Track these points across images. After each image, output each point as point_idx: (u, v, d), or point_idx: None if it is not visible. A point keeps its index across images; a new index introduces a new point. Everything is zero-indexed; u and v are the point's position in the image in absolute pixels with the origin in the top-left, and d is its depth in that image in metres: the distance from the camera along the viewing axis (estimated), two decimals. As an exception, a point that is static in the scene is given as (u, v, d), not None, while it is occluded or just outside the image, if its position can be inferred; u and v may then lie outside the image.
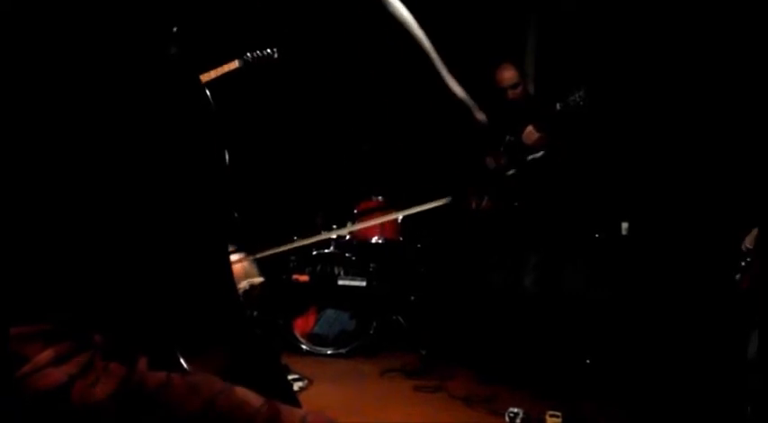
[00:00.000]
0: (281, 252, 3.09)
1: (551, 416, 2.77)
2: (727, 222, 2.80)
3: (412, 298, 4.16)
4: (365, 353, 3.79)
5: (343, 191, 4.25)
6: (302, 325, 3.92)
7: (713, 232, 3.17)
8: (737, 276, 2.51)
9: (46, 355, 0.61)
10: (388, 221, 3.91)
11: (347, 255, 3.94)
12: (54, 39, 0.65)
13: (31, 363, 0.61)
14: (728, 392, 2.69)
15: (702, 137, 3.45)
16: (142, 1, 0.76)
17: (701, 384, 2.96)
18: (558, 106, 3.22)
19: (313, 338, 3.87)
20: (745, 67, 3.28)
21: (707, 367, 3.06)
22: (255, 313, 3.48)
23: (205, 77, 2.71)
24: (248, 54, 2.84)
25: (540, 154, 3.39)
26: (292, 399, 0.91)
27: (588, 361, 3.43)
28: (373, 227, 3.94)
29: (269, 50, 2.89)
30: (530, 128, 3.37)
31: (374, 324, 3.80)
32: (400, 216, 3.74)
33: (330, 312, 3.93)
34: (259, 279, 1.48)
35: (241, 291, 1.39)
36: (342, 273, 3.96)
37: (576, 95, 3.15)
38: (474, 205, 3.60)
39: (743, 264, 2.49)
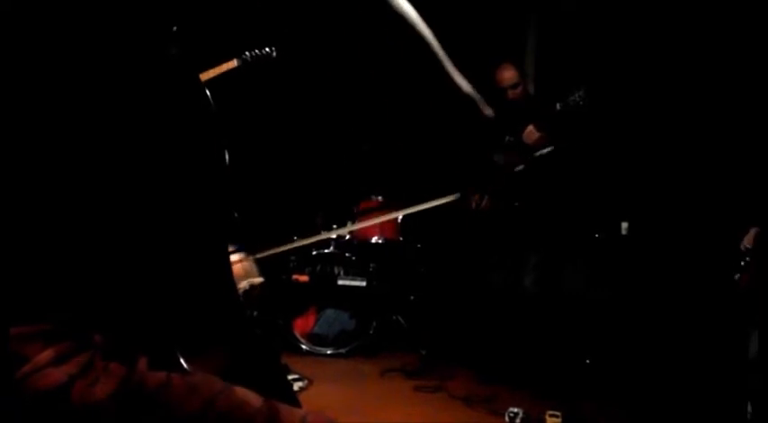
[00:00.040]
0: (280, 252, 3.09)
1: (551, 416, 2.77)
2: (727, 222, 2.80)
3: (412, 298, 4.16)
4: (365, 353, 3.79)
5: (343, 191, 4.25)
6: (302, 325, 3.92)
7: (713, 232, 3.18)
8: (736, 276, 2.51)
9: (46, 355, 0.61)
10: (387, 221, 3.91)
11: (347, 255, 3.94)
12: (54, 38, 0.65)
13: (30, 363, 0.61)
14: (729, 392, 2.69)
15: (702, 137, 3.46)
16: (142, 1, 0.76)
17: (701, 384, 2.96)
18: (558, 106, 3.22)
19: (313, 338, 3.88)
20: (745, 68, 3.28)
21: (707, 367, 3.06)
22: (255, 313, 3.48)
23: (203, 77, 2.71)
24: (246, 53, 2.84)
25: (548, 150, 3.37)
26: (292, 399, 0.91)
27: (588, 361, 3.43)
28: (373, 227, 3.94)
29: (267, 49, 2.88)
30: (530, 127, 3.38)
31: (374, 324, 3.80)
32: (408, 213, 3.70)
33: (330, 312, 3.93)
34: (259, 279, 1.47)
35: (241, 291, 1.39)
36: (342, 273, 3.97)
37: (576, 95, 3.15)
38: (474, 205, 3.60)
39: (742, 263, 2.49)
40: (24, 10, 0.65)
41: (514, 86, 3.48)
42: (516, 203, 3.54)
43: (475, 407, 3.00)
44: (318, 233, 3.77)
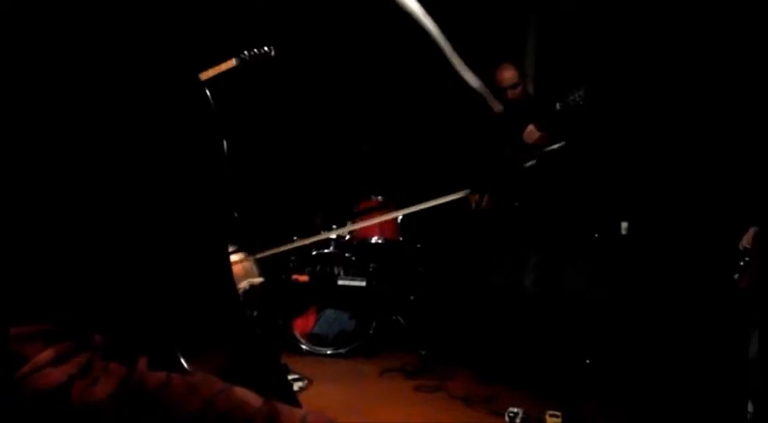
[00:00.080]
0: (280, 252, 3.09)
1: (551, 416, 2.77)
2: (726, 222, 2.80)
3: (412, 298, 4.16)
4: (365, 353, 3.79)
5: (343, 191, 4.25)
6: (302, 325, 3.92)
7: (712, 232, 3.18)
8: (736, 276, 2.51)
9: (46, 355, 0.61)
10: (387, 221, 3.91)
11: (347, 255, 3.94)
12: (54, 39, 0.65)
13: (30, 363, 0.61)
14: (729, 392, 2.69)
15: (701, 136, 3.46)
16: (142, 1, 0.76)
17: (701, 384, 2.96)
18: (557, 106, 3.22)
19: (313, 338, 3.87)
20: (745, 68, 3.28)
21: (707, 367, 3.06)
22: (255, 313, 3.47)
23: (202, 76, 2.71)
24: (245, 52, 2.84)
25: (558, 145, 3.36)
26: (292, 399, 0.91)
27: (588, 361, 3.43)
28: (373, 227, 3.93)
29: (266, 48, 2.88)
30: (530, 126, 3.37)
31: (374, 324, 3.80)
32: (415, 210, 3.64)
33: (330, 312, 3.93)
34: (259, 279, 1.47)
35: (241, 291, 1.39)
36: (341, 273, 3.96)
37: (576, 95, 3.15)
38: (474, 205, 3.60)
39: (741, 263, 2.49)
40: (24, 11, 0.65)
41: (514, 86, 3.49)
42: (516, 203, 3.54)
43: (475, 407, 3.00)
44: (318, 233, 3.76)
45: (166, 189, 0.72)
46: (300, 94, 4.40)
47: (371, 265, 3.93)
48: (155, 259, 0.72)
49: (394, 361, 3.67)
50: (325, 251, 3.94)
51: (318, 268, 3.97)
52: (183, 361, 0.73)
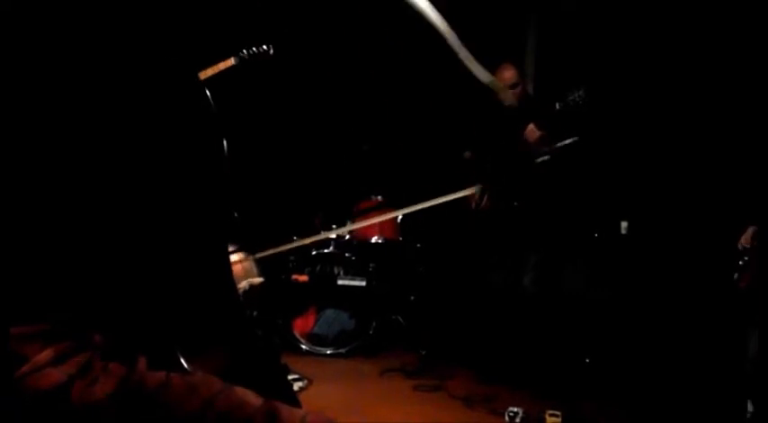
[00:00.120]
0: (280, 252, 3.09)
1: (551, 415, 2.77)
2: (726, 221, 2.80)
3: (411, 298, 4.16)
4: (365, 353, 3.79)
5: (343, 191, 4.25)
6: (302, 325, 3.92)
7: (712, 231, 3.18)
8: (735, 275, 2.51)
9: (45, 354, 0.61)
10: (387, 221, 3.91)
11: (347, 254, 3.94)
12: (54, 39, 0.65)
13: (30, 363, 0.61)
14: (729, 392, 2.69)
15: (701, 136, 3.46)
16: (140, 1, 0.76)
17: (701, 384, 2.96)
18: (557, 106, 3.22)
19: (313, 338, 3.87)
20: (744, 67, 3.28)
21: (707, 366, 3.06)
22: (255, 313, 3.47)
23: (201, 76, 2.71)
24: (244, 51, 2.83)
25: (570, 140, 3.34)
26: (292, 399, 0.91)
27: (588, 360, 3.43)
28: (372, 226, 3.93)
29: (264, 47, 2.88)
30: (531, 126, 3.37)
31: (374, 324, 3.80)
32: (425, 207, 3.60)
33: (330, 312, 3.93)
34: (259, 279, 1.48)
35: (241, 291, 1.39)
36: (341, 272, 3.96)
37: (576, 95, 3.15)
38: (474, 205, 3.60)
39: (740, 263, 2.49)
40: (24, 11, 0.65)
41: (514, 86, 3.49)
42: (516, 203, 3.54)
43: (475, 407, 3.00)
44: (318, 233, 3.76)
45: (166, 189, 0.72)
46: (300, 93, 4.40)
47: (371, 264, 3.93)
48: (155, 259, 0.72)
49: (394, 361, 3.67)
50: (325, 251, 3.94)
51: (318, 268, 3.97)
52: (182, 361, 0.73)
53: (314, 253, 3.93)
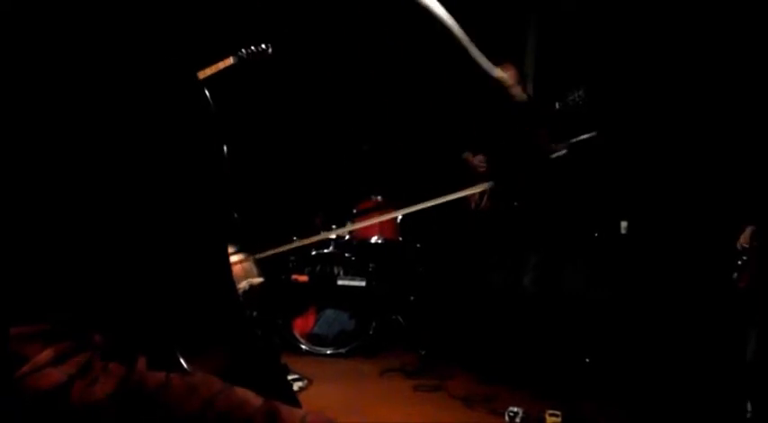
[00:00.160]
0: (281, 252, 3.08)
1: (551, 415, 2.77)
2: (725, 221, 2.80)
3: (411, 298, 4.16)
4: (365, 353, 3.79)
5: (343, 191, 4.25)
6: (302, 325, 3.92)
7: (711, 231, 3.18)
8: (734, 275, 2.51)
9: (45, 354, 0.61)
10: (387, 221, 3.91)
11: (346, 255, 3.94)
12: (54, 39, 0.65)
13: (30, 363, 0.61)
14: (729, 392, 2.69)
15: (700, 136, 3.46)
16: (140, 1, 0.76)
17: (700, 384, 2.96)
18: (557, 106, 3.22)
19: (312, 338, 3.87)
20: (744, 67, 3.29)
21: (707, 366, 3.06)
22: (255, 313, 3.47)
23: (200, 75, 2.70)
24: (243, 50, 2.83)
25: (588, 135, 3.32)
26: (292, 399, 0.91)
27: (588, 360, 3.43)
28: (372, 227, 3.93)
29: (263, 46, 2.87)
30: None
31: (373, 324, 3.80)
32: (438, 203, 3.55)
33: (329, 312, 3.93)
34: (259, 279, 1.48)
35: (241, 291, 1.39)
36: (341, 273, 3.97)
37: (576, 95, 3.16)
38: (474, 205, 3.60)
39: (739, 262, 2.49)
40: (24, 11, 0.65)
41: (514, 86, 3.48)
42: (516, 203, 3.54)
43: (475, 406, 3.00)
44: (318, 233, 3.76)
45: (166, 189, 0.72)
46: (300, 92, 4.40)
47: (371, 264, 3.93)
48: (155, 259, 0.72)
49: (394, 361, 3.67)
50: (325, 251, 3.94)
51: (318, 268, 3.97)
52: (182, 361, 0.73)
53: (314, 253, 3.93)
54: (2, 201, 0.62)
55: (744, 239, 2.49)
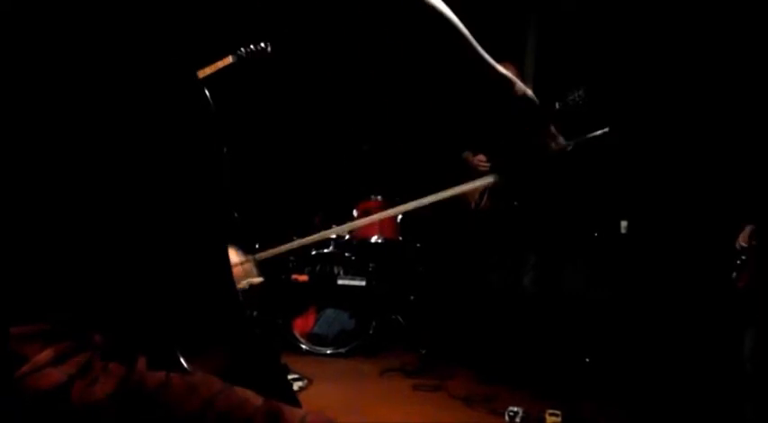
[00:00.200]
0: (281, 252, 3.08)
1: (551, 415, 2.77)
2: (725, 220, 2.80)
3: (411, 297, 4.16)
4: (365, 352, 3.79)
5: (343, 191, 4.25)
6: (302, 325, 3.92)
7: (711, 230, 3.18)
8: (733, 275, 2.51)
9: (45, 354, 0.61)
10: (386, 220, 3.91)
11: (346, 254, 3.94)
12: (53, 39, 0.65)
13: (30, 362, 0.61)
14: (728, 392, 2.69)
15: (700, 136, 3.46)
16: (140, 1, 0.76)
17: (700, 384, 2.96)
18: (557, 105, 3.22)
19: (312, 338, 3.88)
20: (744, 67, 3.29)
21: (706, 366, 3.06)
22: (255, 313, 3.47)
23: (200, 74, 2.70)
24: (242, 49, 2.83)
25: (601, 132, 3.33)
26: (292, 399, 0.91)
27: (588, 360, 3.43)
28: (372, 226, 3.93)
29: (262, 45, 2.87)
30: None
31: (373, 323, 3.80)
32: (440, 199, 3.56)
33: (330, 312, 3.93)
34: (259, 279, 1.47)
35: (241, 290, 1.39)
36: (341, 272, 3.97)
37: (576, 95, 3.16)
38: (473, 205, 3.60)
39: (738, 262, 2.49)
40: (24, 11, 0.65)
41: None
42: (516, 203, 3.54)
43: (475, 406, 3.00)
44: (318, 233, 3.76)
45: (166, 189, 0.72)
46: (299, 92, 4.40)
47: (371, 264, 3.93)
48: (155, 259, 0.72)
49: (394, 360, 3.68)
50: (325, 251, 3.94)
51: (318, 268, 3.97)
52: (182, 361, 0.73)
53: (314, 253, 3.93)
54: (2, 201, 0.62)
55: (743, 239, 2.49)
